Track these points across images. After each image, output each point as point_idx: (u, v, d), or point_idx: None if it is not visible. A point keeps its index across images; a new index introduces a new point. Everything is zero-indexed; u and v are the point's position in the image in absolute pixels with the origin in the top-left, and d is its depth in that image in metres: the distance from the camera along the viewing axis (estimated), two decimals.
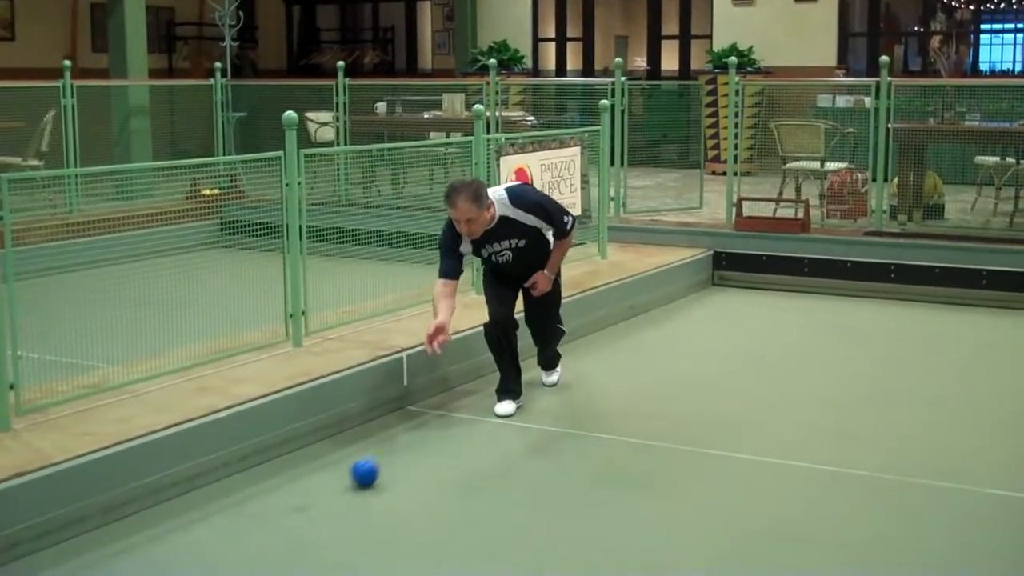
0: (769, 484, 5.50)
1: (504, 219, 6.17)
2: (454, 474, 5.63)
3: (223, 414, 5.49)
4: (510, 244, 6.25)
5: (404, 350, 6.58)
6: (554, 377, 6.91)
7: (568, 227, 6.37)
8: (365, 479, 5.32)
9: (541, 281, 6.41)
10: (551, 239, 6.38)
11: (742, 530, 4.96)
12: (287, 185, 6.51)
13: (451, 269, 6.17)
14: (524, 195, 6.30)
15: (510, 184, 6.64)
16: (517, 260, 6.33)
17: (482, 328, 6.64)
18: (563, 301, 6.87)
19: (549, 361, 6.91)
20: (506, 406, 6.40)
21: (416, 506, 5.23)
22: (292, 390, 5.88)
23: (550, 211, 6.30)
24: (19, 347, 5.34)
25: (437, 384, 6.77)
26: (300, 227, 6.58)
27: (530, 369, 6.83)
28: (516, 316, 6.54)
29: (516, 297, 6.54)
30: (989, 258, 9.15)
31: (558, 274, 6.61)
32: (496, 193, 6.23)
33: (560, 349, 6.96)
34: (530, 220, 6.22)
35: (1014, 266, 9.04)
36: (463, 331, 6.97)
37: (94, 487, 4.88)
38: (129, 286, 7.36)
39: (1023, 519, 5.12)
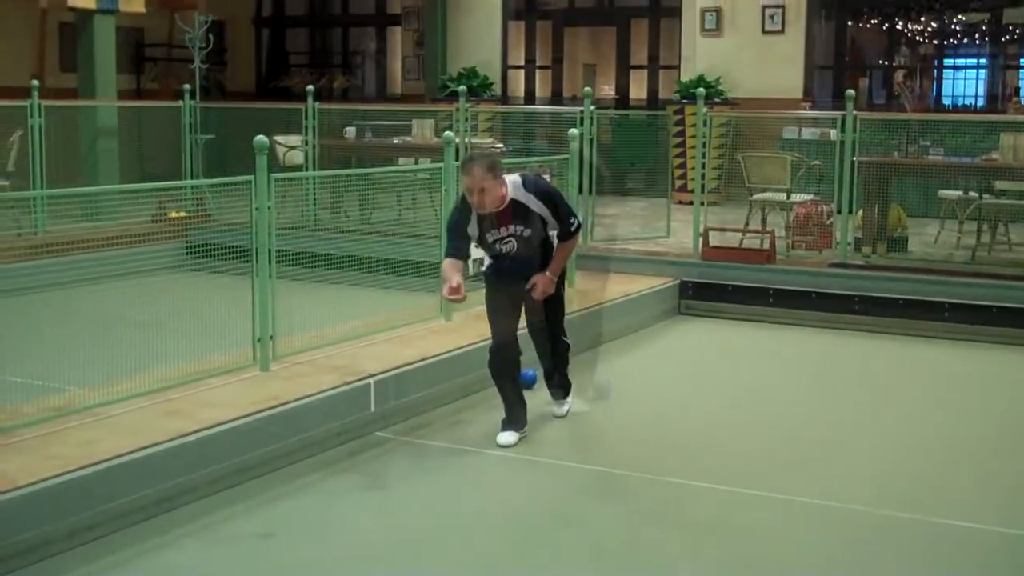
0: (728, 512, 5.54)
1: (514, 202, 6.23)
2: (419, 500, 5.64)
3: (191, 438, 5.47)
4: (515, 230, 6.28)
5: (372, 376, 6.59)
6: (565, 408, 6.91)
7: (573, 228, 6.40)
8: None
9: (541, 282, 6.37)
10: (555, 241, 6.42)
11: (707, 561, 5.00)
12: (257, 209, 6.51)
13: (457, 250, 6.28)
14: (537, 182, 6.42)
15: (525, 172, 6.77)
16: (520, 251, 6.34)
17: (455, 354, 6.88)
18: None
19: (560, 388, 6.89)
20: (507, 436, 6.40)
21: (382, 531, 5.24)
22: (260, 415, 5.87)
23: (558, 204, 6.36)
24: None
25: (404, 411, 6.77)
26: (269, 251, 6.59)
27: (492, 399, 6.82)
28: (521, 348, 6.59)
29: (518, 318, 6.57)
30: (951, 291, 9.26)
31: (561, 282, 6.63)
32: (511, 176, 6.33)
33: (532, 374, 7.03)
34: (538, 208, 6.28)
35: (976, 299, 9.15)
36: (431, 358, 7.00)
37: (60, 511, 4.86)
38: (95, 308, 7.36)
39: (982, 549, 5.18)
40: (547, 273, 6.38)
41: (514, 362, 6.48)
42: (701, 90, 10.99)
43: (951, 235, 10.95)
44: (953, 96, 19.03)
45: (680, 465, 6.12)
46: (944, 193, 11.19)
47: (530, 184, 6.30)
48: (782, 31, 15.30)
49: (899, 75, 16.84)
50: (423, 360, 6.96)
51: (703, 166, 10.62)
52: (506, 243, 6.32)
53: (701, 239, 10.21)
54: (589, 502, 5.68)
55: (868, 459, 6.34)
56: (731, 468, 6.11)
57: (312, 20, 20.72)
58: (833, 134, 10.65)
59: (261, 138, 6.53)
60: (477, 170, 6.07)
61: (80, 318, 8.10)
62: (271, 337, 6.67)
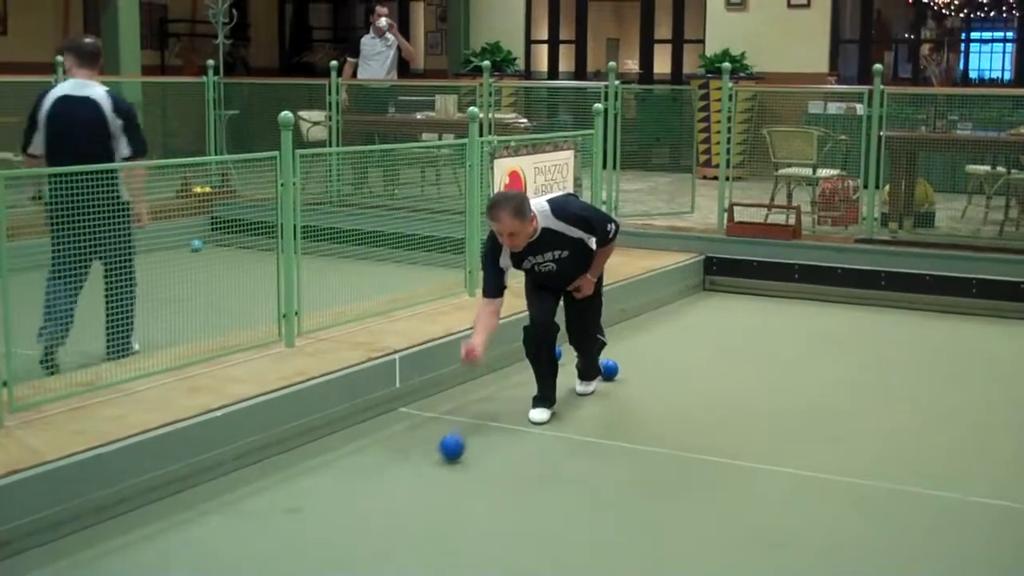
0: (759, 490, 5.52)
1: (547, 231, 6.16)
2: (445, 476, 5.64)
3: (216, 414, 5.48)
4: (553, 255, 6.24)
5: (397, 352, 6.59)
6: (590, 387, 6.90)
7: (611, 235, 6.33)
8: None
9: (585, 285, 6.44)
10: (593, 247, 6.36)
11: (731, 536, 4.98)
12: (282, 185, 6.50)
13: (494, 288, 6.19)
14: (566, 207, 6.28)
15: (552, 196, 6.59)
16: (560, 270, 6.32)
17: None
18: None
19: (587, 371, 6.88)
20: (539, 413, 6.37)
21: (408, 507, 5.24)
22: (285, 391, 5.88)
23: (592, 221, 6.30)
24: (12, 343, 5.33)
25: (430, 386, 6.77)
26: (294, 227, 6.58)
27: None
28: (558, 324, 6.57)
29: (558, 301, 6.54)
30: (979, 266, 9.19)
31: (600, 282, 6.62)
32: (538, 205, 6.19)
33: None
34: (573, 232, 6.22)
35: (1004, 275, 9.09)
36: (456, 333, 6.98)
37: (87, 486, 4.87)
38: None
39: (1011, 528, 5.15)
40: (587, 275, 6.42)
41: (550, 341, 6.43)
42: (727, 64, 10.91)
43: (979, 210, 10.86)
44: (980, 70, 18.85)
45: (707, 442, 6.10)
46: (972, 168, 11.09)
47: (559, 211, 6.20)
48: (807, 5, 15.18)
49: (925, 49, 16.68)
50: (448, 335, 6.95)
51: (728, 141, 10.55)
52: (545, 267, 6.30)
53: (726, 214, 10.16)
54: (616, 478, 5.67)
55: (896, 436, 6.31)
56: (758, 445, 6.09)
57: None
58: (859, 108, 10.55)
59: (286, 114, 6.52)
60: (504, 216, 5.98)
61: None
62: (296, 313, 6.67)
